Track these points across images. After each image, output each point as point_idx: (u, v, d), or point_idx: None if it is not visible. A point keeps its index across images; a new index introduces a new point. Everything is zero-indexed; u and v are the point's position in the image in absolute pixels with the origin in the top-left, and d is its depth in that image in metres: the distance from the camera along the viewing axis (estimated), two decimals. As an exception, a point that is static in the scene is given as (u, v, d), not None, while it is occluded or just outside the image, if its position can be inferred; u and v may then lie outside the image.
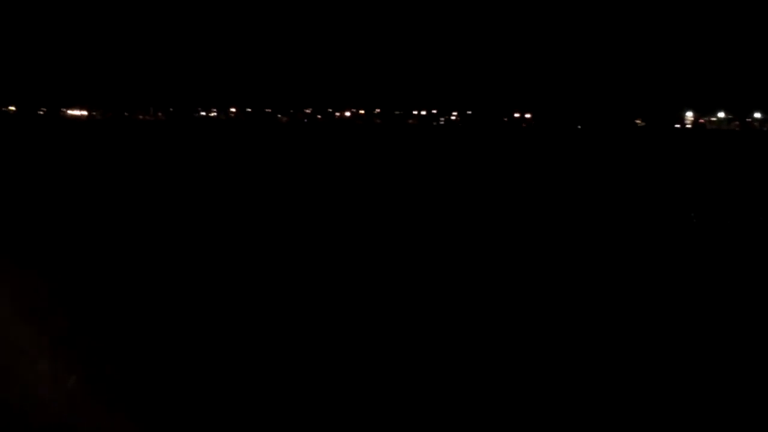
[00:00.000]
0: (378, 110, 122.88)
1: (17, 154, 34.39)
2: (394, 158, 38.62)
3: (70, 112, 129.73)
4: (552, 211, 17.20)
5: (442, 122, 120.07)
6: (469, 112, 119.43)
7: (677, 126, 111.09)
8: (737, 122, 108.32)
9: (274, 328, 7.20)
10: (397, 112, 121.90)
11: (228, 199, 18.87)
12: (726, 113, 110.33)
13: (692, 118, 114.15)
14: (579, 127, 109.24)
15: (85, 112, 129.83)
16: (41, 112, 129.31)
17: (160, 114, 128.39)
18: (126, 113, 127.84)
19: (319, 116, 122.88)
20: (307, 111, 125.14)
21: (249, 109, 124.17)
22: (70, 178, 23.14)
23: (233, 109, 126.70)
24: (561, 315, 7.94)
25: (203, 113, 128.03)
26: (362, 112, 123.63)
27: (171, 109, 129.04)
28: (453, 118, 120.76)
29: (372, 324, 7.46)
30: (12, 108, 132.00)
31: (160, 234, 12.66)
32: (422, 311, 7.98)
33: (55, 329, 6.71)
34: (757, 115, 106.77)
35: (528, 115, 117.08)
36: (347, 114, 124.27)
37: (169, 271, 9.67)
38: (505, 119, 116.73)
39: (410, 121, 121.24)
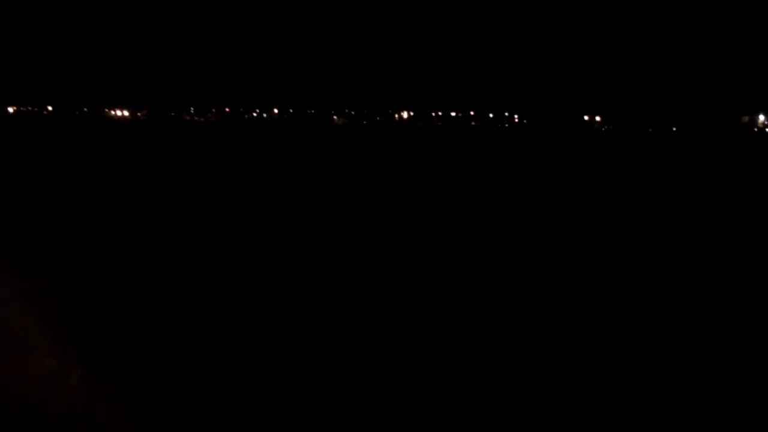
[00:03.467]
0: (437, 112, 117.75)
1: (53, 159, 31.61)
2: (454, 161, 36.95)
3: (112, 112, 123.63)
4: (626, 214, 17.34)
5: (506, 125, 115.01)
6: (533, 116, 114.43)
7: (756, 129, 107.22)
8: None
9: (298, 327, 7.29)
10: (458, 114, 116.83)
11: (277, 201, 18.43)
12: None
13: (765, 122, 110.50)
14: (649, 130, 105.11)
15: (127, 113, 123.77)
16: (80, 113, 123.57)
17: (209, 114, 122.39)
18: (172, 113, 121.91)
19: (378, 117, 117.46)
20: (359, 112, 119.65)
21: (310, 110, 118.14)
22: (110, 185, 21.57)
23: (290, 110, 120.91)
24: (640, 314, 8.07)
25: (255, 114, 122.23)
26: (417, 113, 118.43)
27: (213, 110, 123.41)
28: (517, 120, 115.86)
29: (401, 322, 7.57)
30: (49, 108, 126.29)
31: (210, 237, 12.64)
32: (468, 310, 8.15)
33: (76, 324, 6.90)
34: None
35: (598, 118, 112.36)
36: (405, 115, 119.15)
37: (208, 272, 9.74)
38: (573, 121, 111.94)
39: (473, 123, 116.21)
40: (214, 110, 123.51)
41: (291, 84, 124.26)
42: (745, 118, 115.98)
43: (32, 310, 7.24)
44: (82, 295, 8.17)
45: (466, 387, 5.79)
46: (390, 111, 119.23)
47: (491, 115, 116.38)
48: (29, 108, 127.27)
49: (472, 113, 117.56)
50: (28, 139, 49.53)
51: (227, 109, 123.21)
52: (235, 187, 21.46)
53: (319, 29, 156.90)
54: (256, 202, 17.92)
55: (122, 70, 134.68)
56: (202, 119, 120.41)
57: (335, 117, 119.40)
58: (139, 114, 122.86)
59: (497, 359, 6.47)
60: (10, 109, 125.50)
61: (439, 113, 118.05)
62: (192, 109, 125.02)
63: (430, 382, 5.84)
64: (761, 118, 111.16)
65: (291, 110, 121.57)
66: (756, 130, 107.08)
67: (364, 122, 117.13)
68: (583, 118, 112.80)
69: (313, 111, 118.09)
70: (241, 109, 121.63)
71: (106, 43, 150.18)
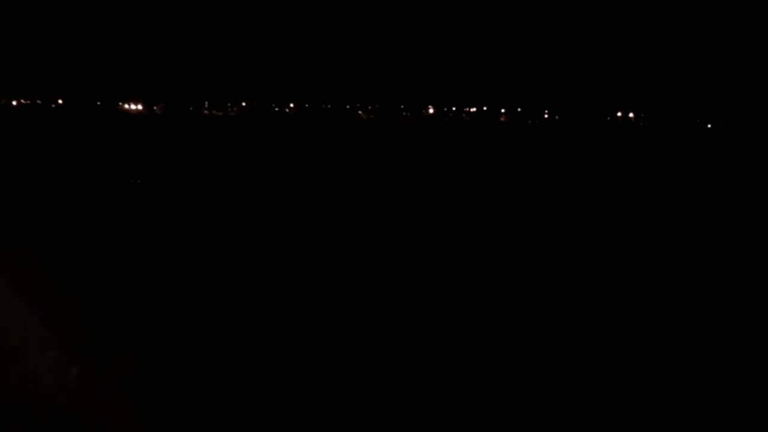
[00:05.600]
0: (465, 107, 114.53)
1: (64, 155, 30.18)
2: (482, 158, 36.10)
3: (126, 106, 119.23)
4: (659, 211, 16.79)
5: (536, 122, 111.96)
6: (565, 111, 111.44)
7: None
8: None
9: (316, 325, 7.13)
10: (485, 109, 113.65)
11: (299, 199, 17.64)
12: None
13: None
14: (679, 128, 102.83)
15: (141, 107, 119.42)
16: (91, 106, 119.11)
17: (228, 109, 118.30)
18: (191, 108, 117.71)
19: (406, 114, 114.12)
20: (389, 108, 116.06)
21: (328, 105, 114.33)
22: (122, 181, 20.86)
23: (307, 105, 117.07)
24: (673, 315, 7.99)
25: (277, 109, 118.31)
26: (447, 109, 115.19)
27: (229, 104, 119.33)
28: (547, 116, 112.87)
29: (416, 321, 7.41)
30: (59, 101, 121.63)
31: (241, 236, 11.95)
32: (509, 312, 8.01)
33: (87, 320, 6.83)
34: None
35: (631, 115, 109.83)
36: (431, 111, 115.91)
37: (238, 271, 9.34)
38: (608, 118, 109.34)
39: (502, 119, 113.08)
40: (229, 105, 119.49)
41: (317, 79, 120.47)
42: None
43: (44, 306, 7.02)
44: (92, 293, 8.03)
45: (467, 385, 5.60)
46: (404, 106, 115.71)
47: (520, 111, 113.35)
48: (37, 101, 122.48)
49: (483, 108, 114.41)
50: (37, 134, 47.16)
51: (243, 104, 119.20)
52: (255, 184, 20.35)
53: (345, 23, 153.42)
54: (279, 200, 17.20)
55: (135, 61, 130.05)
56: (221, 114, 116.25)
57: (360, 112, 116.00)
58: (155, 108, 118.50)
59: (508, 358, 6.32)
60: (14, 102, 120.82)
61: (467, 109, 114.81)
62: (206, 103, 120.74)
63: (432, 381, 5.67)
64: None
65: (319, 106, 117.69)
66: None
67: (391, 117, 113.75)
68: (616, 115, 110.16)
69: (336, 106, 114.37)
70: (263, 104, 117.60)
71: (118, 34, 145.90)
